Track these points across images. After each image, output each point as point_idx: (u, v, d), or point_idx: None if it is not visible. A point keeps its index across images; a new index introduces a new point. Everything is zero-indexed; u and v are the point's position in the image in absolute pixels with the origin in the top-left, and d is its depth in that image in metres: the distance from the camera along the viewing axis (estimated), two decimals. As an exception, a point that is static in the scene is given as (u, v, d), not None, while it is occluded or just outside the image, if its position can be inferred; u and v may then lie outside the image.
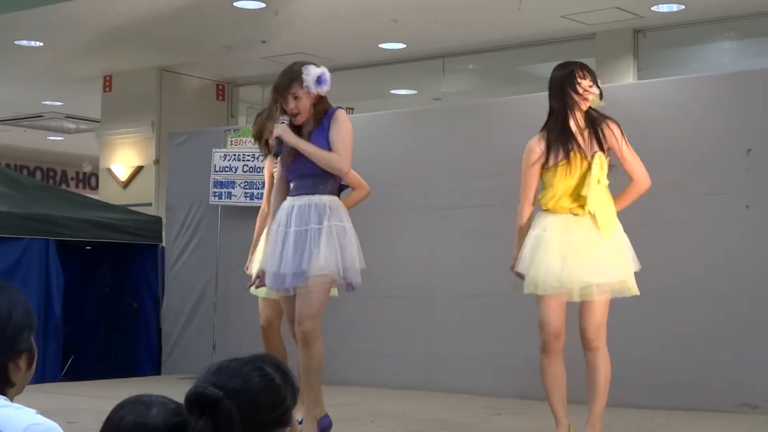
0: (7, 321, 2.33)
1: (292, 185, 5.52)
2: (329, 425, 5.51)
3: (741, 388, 6.94)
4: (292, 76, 5.39)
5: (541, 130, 5.27)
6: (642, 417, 6.72)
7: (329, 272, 5.30)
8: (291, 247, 5.33)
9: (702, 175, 7.28)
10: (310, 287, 5.32)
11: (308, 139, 5.38)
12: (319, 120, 5.42)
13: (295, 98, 5.36)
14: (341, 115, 5.44)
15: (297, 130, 5.44)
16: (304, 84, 5.34)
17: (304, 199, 5.39)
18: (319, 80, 5.36)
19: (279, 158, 5.61)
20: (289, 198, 5.49)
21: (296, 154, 5.39)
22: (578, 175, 5.18)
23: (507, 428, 6.31)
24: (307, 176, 5.39)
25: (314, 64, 5.46)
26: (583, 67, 5.33)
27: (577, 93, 5.20)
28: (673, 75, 9.20)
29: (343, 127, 5.40)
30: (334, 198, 5.47)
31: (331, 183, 5.45)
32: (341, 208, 5.47)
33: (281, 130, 5.38)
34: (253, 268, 6.57)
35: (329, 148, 5.34)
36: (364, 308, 8.71)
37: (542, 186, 5.30)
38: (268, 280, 5.45)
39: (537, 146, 5.22)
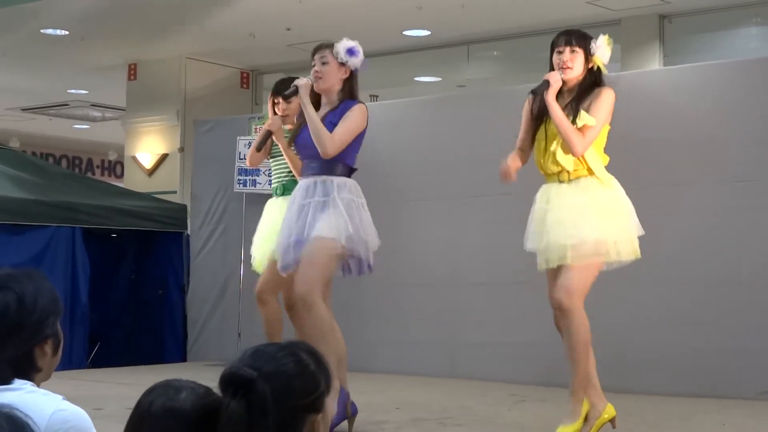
0: (32, 307, 2.34)
1: (303, 165, 5.54)
2: (355, 411, 5.48)
3: (765, 376, 6.91)
4: (325, 44, 5.46)
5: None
6: (667, 404, 6.70)
7: (331, 236, 5.21)
8: (294, 219, 5.33)
9: (729, 161, 7.23)
10: (310, 252, 5.24)
11: (323, 117, 5.35)
12: (339, 104, 5.41)
13: (323, 63, 5.38)
14: (358, 109, 5.39)
15: (317, 103, 5.44)
16: (335, 49, 5.37)
17: (312, 179, 5.38)
18: (350, 51, 5.38)
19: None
20: (299, 178, 5.56)
21: (304, 131, 5.37)
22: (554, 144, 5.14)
23: (532, 415, 6.30)
24: (315, 157, 5.35)
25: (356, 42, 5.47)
26: (563, 36, 5.26)
27: (552, 68, 5.19)
28: (699, 61, 9.14)
29: (354, 119, 5.35)
30: (345, 178, 5.41)
31: (341, 167, 5.40)
32: (352, 186, 5.41)
33: (302, 82, 5.35)
34: (254, 251, 6.64)
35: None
36: (389, 296, 8.73)
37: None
38: (279, 264, 5.47)
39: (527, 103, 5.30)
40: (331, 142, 5.25)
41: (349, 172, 5.46)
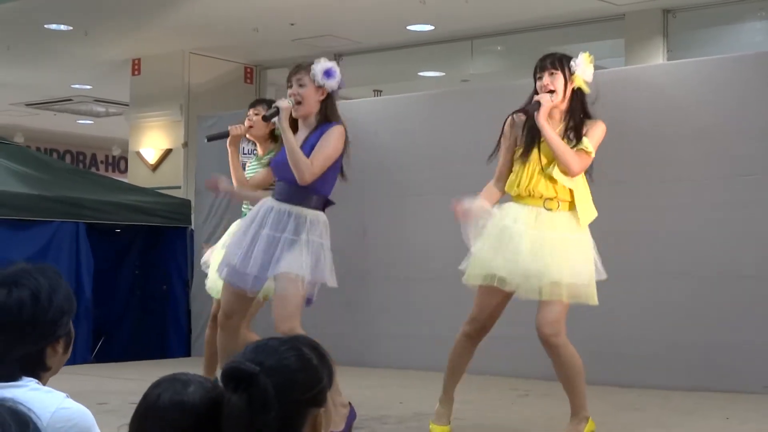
0: (47, 306, 2.32)
1: (276, 186, 5.37)
2: (354, 417, 5.41)
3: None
4: (302, 65, 5.31)
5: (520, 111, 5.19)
6: (671, 398, 6.70)
7: (298, 273, 5.07)
8: (262, 249, 5.13)
9: (733, 155, 7.23)
10: (283, 290, 5.13)
11: (303, 142, 5.20)
12: (317, 127, 5.26)
13: (300, 85, 5.23)
14: (337, 131, 5.21)
15: (294, 125, 5.29)
16: (312, 72, 5.22)
17: (286, 206, 5.20)
18: (327, 72, 5.23)
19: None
20: (270, 198, 5.33)
21: (283, 151, 5.22)
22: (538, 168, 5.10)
23: (534, 409, 6.30)
24: (293, 183, 5.18)
25: (334, 62, 5.35)
26: (540, 62, 5.20)
27: (537, 93, 5.14)
28: (703, 56, 9.12)
29: (331, 142, 5.17)
30: (318, 213, 5.24)
31: (316, 198, 5.22)
32: (322, 225, 5.23)
33: (284, 105, 5.20)
34: (211, 257, 6.56)
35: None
36: (393, 291, 8.73)
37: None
38: (227, 272, 5.29)
39: (508, 126, 5.27)
40: (309, 168, 5.09)
41: (324, 204, 5.29)
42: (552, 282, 4.98)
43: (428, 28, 11.49)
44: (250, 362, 1.95)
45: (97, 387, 7.09)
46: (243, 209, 6.63)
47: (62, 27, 11.61)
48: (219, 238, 9.96)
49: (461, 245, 8.54)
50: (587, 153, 5.02)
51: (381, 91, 12.41)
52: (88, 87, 15.26)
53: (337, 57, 12.74)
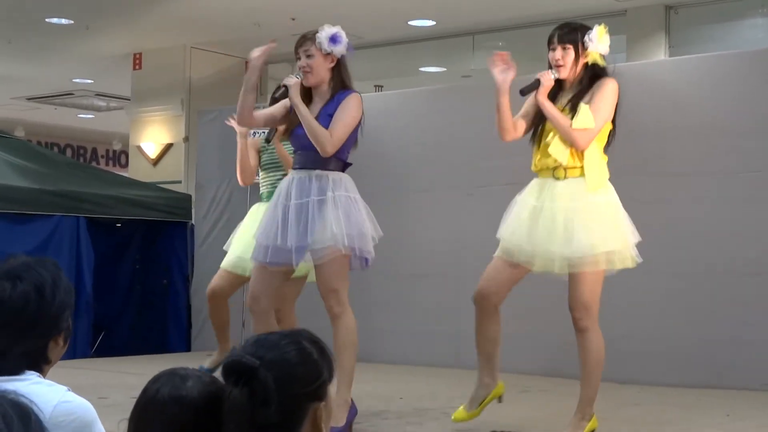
0: (51, 300, 2.32)
1: (295, 157, 5.37)
2: (355, 413, 5.38)
3: (771, 368, 6.92)
4: (307, 35, 5.30)
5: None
6: (671, 394, 6.71)
7: (335, 243, 5.08)
8: (293, 220, 5.13)
9: (735, 153, 7.22)
10: (322, 262, 5.14)
11: (320, 114, 5.19)
12: (333, 95, 5.24)
13: (308, 56, 5.23)
14: (353, 99, 5.21)
15: (308, 96, 5.28)
16: (317, 41, 5.22)
17: (305, 173, 5.20)
18: (333, 38, 5.24)
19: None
20: (291, 171, 5.37)
21: (300, 124, 5.20)
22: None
23: (535, 405, 6.30)
24: (310, 149, 5.17)
25: (338, 27, 5.32)
26: (554, 32, 5.17)
27: (550, 67, 5.11)
28: (705, 52, 9.11)
29: (349, 111, 5.16)
30: (340, 173, 5.24)
31: (334, 162, 5.21)
32: (347, 181, 5.24)
33: (291, 81, 5.18)
34: (232, 246, 6.57)
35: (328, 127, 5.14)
36: (393, 287, 8.72)
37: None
38: (267, 254, 5.21)
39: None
40: (329, 140, 5.08)
41: (343, 167, 5.28)
42: (551, 258, 4.93)
43: (429, 23, 11.48)
44: (251, 356, 1.96)
45: (98, 381, 7.09)
46: (261, 193, 6.65)
47: (63, 21, 11.61)
48: (220, 232, 10.00)
49: (459, 241, 8.57)
50: (588, 128, 4.91)
51: (382, 87, 12.40)
52: (89, 81, 15.27)
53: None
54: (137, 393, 2.10)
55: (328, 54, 5.24)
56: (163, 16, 11.37)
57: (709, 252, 7.21)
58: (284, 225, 5.14)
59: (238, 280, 6.71)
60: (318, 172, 5.17)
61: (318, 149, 5.10)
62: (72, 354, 8.60)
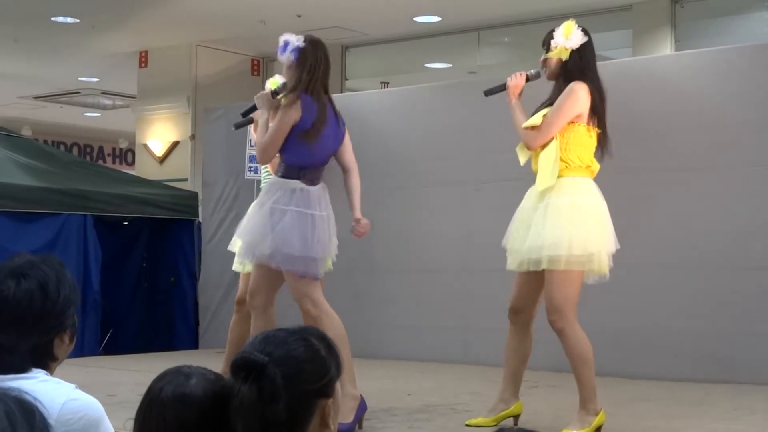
0: (55, 297, 2.32)
1: None
2: (365, 409, 5.40)
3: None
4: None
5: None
6: (682, 389, 6.70)
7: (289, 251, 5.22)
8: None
9: (740, 146, 7.21)
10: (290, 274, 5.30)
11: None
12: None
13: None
14: (283, 105, 5.28)
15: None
16: (279, 54, 5.39)
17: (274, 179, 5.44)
18: (282, 48, 5.38)
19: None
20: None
21: None
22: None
23: (543, 401, 6.30)
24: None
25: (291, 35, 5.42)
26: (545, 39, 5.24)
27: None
28: (711, 46, 9.10)
29: (276, 122, 5.27)
30: (292, 182, 5.31)
31: (283, 167, 5.36)
32: (290, 191, 5.33)
33: (258, 94, 5.42)
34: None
35: None
36: (402, 282, 8.73)
37: None
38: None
39: None
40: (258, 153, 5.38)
41: (291, 171, 5.31)
42: (535, 249, 4.99)
43: (435, 19, 11.47)
44: (259, 353, 1.96)
45: (106, 379, 7.11)
46: (262, 183, 6.65)
47: (69, 20, 11.62)
48: (226, 230, 10.01)
49: (467, 237, 8.57)
50: (536, 125, 5.03)
51: (388, 83, 12.40)
52: (96, 79, 15.28)
53: (344, 49, 12.73)
54: (144, 390, 2.10)
55: (289, 65, 5.38)
56: (169, 14, 11.38)
57: (718, 246, 7.19)
58: (265, 222, 5.30)
59: None
60: (280, 182, 5.32)
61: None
62: (80, 352, 8.62)
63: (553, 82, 5.26)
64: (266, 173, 6.66)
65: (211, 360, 6.84)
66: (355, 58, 12.68)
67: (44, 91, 16.08)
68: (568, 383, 6.38)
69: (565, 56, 5.11)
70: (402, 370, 7.89)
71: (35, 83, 15.41)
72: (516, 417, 5.38)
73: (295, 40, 5.35)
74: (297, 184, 5.26)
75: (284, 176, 5.29)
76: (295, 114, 5.19)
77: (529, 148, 5.07)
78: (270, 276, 5.38)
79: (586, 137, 5.09)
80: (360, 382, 6.61)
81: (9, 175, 9.08)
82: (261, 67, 13.45)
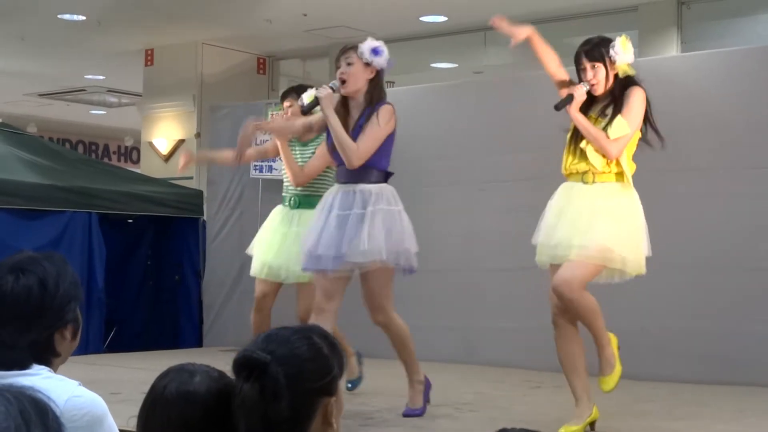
0: (54, 292, 2.33)
1: (337, 171, 5.53)
2: (430, 387, 5.78)
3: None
4: (350, 45, 5.46)
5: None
6: (685, 391, 6.69)
7: (374, 258, 5.28)
8: (333, 229, 5.31)
9: (746, 148, 7.21)
10: (366, 276, 5.40)
11: (355, 125, 5.35)
12: (366, 107, 5.40)
13: (348, 64, 5.37)
14: (383, 111, 5.38)
15: (344, 106, 5.43)
16: (359, 50, 5.35)
17: (349, 187, 5.38)
18: (375, 50, 5.37)
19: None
20: (336, 184, 5.52)
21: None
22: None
23: (547, 402, 6.30)
24: None
25: (381, 41, 5.48)
26: (581, 52, 5.24)
27: (580, 80, 5.23)
28: (717, 48, 9.09)
29: (377, 123, 5.34)
30: (382, 185, 5.43)
31: (375, 173, 5.41)
32: (389, 193, 5.43)
33: (324, 93, 5.32)
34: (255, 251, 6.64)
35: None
36: (405, 282, 8.68)
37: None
38: (305, 260, 5.46)
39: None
40: (355, 153, 5.27)
41: (385, 177, 5.47)
42: (570, 246, 5.02)
43: (441, 19, 11.46)
44: (262, 351, 1.96)
45: (110, 377, 7.11)
46: (284, 194, 6.65)
47: (76, 17, 11.63)
48: (231, 228, 10.02)
49: (471, 237, 8.56)
50: (623, 135, 5.04)
51: (393, 83, 12.36)
52: (101, 77, 15.29)
53: (349, 48, 12.72)
54: (148, 388, 2.10)
55: (368, 64, 5.38)
56: (175, 12, 11.38)
57: (721, 247, 7.19)
58: (321, 235, 5.35)
59: (273, 287, 6.67)
60: (361, 186, 5.37)
61: (344, 161, 5.30)
62: (84, 349, 8.62)
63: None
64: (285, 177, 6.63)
65: (215, 358, 6.83)
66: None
67: (50, 89, 16.09)
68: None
69: (630, 71, 5.20)
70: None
71: (41, 81, 15.42)
72: (593, 423, 5.25)
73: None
74: (388, 187, 5.48)
75: (378, 181, 5.42)
76: (393, 122, 5.43)
77: (611, 157, 5.06)
78: (335, 284, 5.46)
79: (634, 142, 5.20)
80: (365, 381, 6.63)
81: (14, 172, 9.10)
82: (267, 65, 13.46)
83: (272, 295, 6.62)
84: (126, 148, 20.37)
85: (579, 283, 5.00)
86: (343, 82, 5.35)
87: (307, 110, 5.42)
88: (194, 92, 12.72)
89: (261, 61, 13.40)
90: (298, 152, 6.51)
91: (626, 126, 5.03)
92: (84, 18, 11.64)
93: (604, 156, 5.06)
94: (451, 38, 12.07)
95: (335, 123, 5.27)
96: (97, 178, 9.87)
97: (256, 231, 9.48)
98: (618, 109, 5.11)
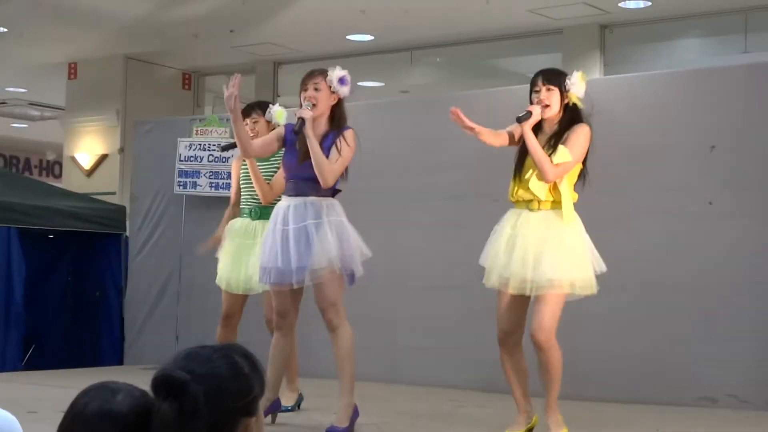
0: None
1: (288, 185, 5.72)
2: (357, 415, 5.81)
3: (701, 383, 6.99)
4: (317, 71, 5.74)
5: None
6: (604, 410, 6.76)
7: (331, 264, 5.50)
8: (293, 242, 5.51)
9: (666, 171, 7.32)
10: (321, 280, 5.53)
11: (320, 141, 5.60)
12: (330, 130, 5.66)
13: (316, 89, 5.63)
14: (350, 135, 5.66)
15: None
16: (328, 78, 5.64)
17: (300, 199, 5.60)
18: (341, 80, 5.66)
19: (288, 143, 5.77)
20: (284, 197, 5.72)
21: (289, 153, 5.66)
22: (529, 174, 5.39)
23: (471, 420, 6.32)
24: (308, 179, 5.58)
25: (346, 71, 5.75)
26: (539, 75, 5.51)
27: (531, 103, 5.43)
28: (639, 71, 9.24)
29: (348, 146, 5.62)
30: (331, 199, 5.67)
31: (326, 189, 5.63)
32: (337, 206, 5.67)
33: (307, 114, 5.55)
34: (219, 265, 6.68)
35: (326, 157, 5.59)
36: (383, 302, 8.67)
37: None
38: (269, 276, 5.61)
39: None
40: (332, 174, 5.55)
41: (333, 193, 5.72)
42: (523, 280, 5.24)
43: (368, 38, 11.51)
44: (181, 370, 1.93)
45: (27, 395, 6.98)
46: (243, 206, 6.75)
47: (-2, 29, 11.47)
48: (154, 245, 9.92)
49: (396, 255, 8.57)
50: (565, 162, 5.26)
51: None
52: (23, 90, 15.09)
53: (276, 65, 12.72)
54: (67, 407, 2.06)
55: (334, 92, 5.68)
56: (100, 26, 11.27)
57: (641, 267, 7.28)
58: (283, 249, 5.54)
59: (239, 300, 6.71)
60: (312, 198, 5.60)
61: (321, 181, 5.55)
62: (1, 366, 8.47)
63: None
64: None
65: (137, 376, 6.73)
66: (288, 75, 12.66)
67: (-30, 101, 15.84)
68: (495, 403, 6.42)
69: (579, 104, 5.46)
70: (329, 388, 7.82)
71: (-39, 93, 15.19)
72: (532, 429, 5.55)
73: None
74: (336, 201, 5.73)
75: (326, 196, 5.65)
76: (355, 145, 5.70)
77: (548, 180, 5.28)
78: (294, 296, 5.73)
79: (575, 173, 5.43)
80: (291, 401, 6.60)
81: (-68, 186, 8.93)
82: (192, 81, 13.38)
83: (239, 308, 6.74)
84: (48, 162, 20.10)
85: (553, 329, 5.27)
86: (313, 105, 5.60)
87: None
88: (118, 106, 12.61)
89: (186, 76, 13.32)
90: (263, 167, 6.57)
91: (568, 154, 5.25)
92: (5, 29, 11.48)
93: (541, 179, 5.27)
94: (378, 57, 12.13)
95: (316, 145, 5.52)
96: (17, 193, 9.71)
97: (179, 248, 9.46)
98: (557, 138, 5.35)
